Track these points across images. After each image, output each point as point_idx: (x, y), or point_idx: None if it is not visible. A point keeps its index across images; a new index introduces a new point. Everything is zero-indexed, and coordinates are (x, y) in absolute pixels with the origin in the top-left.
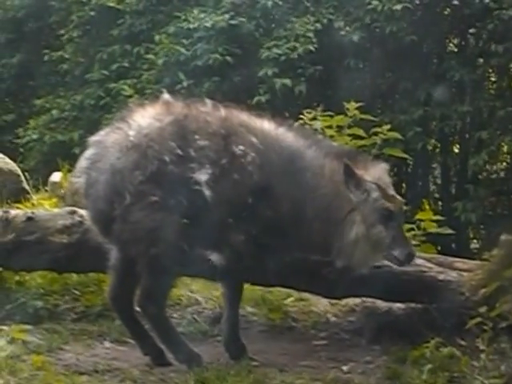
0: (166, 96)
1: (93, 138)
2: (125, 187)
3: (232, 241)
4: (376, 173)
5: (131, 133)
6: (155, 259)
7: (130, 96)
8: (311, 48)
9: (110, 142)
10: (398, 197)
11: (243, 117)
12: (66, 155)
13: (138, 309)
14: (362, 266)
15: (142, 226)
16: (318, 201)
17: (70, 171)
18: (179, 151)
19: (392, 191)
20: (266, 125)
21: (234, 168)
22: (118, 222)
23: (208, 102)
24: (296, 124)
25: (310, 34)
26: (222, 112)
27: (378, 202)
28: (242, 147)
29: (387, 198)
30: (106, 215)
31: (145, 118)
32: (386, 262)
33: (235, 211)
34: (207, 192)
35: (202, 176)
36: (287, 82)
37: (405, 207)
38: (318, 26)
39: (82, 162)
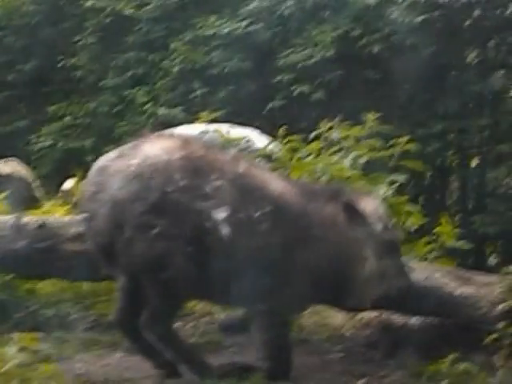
0: (185, 134)
1: (98, 164)
2: (125, 219)
3: (244, 286)
4: (373, 205)
5: (136, 161)
6: (163, 284)
7: (144, 103)
8: (329, 55)
9: (112, 170)
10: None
11: (258, 179)
12: (79, 162)
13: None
14: (367, 300)
15: (146, 258)
16: (326, 251)
17: (82, 179)
18: (186, 184)
19: (390, 221)
20: (279, 187)
21: (248, 229)
22: (122, 255)
23: (230, 152)
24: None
25: (328, 42)
26: (241, 168)
27: (384, 235)
28: (258, 212)
29: (389, 229)
30: (108, 248)
31: (154, 149)
32: None
33: (248, 261)
34: (225, 229)
35: (220, 214)
36: (304, 89)
37: (423, 219)
38: (336, 34)
39: (86, 189)
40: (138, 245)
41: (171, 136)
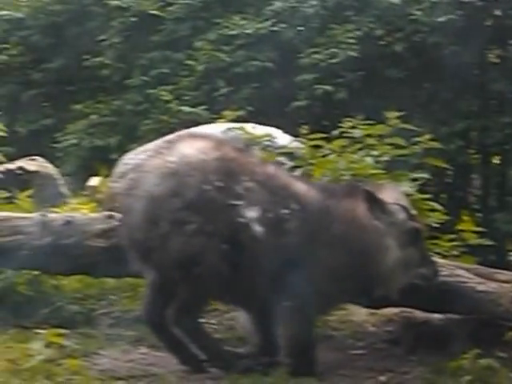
0: (219, 134)
1: (128, 160)
2: (162, 215)
3: (272, 282)
4: (395, 194)
5: (173, 159)
6: (195, 279)
7: (169, 101)
8: (352, 54)
9: (148, 167)
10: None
11: (285, 178)
12: (104, 160)
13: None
14: (396, 289)
15: (182, 253)
16: (350, 244)
17: (107, 176)
18: (221, 184)
19: (413, 210)
20: (302, 188)
21: (278, 228)
22: (156, 250)
23: (257, 154)
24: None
25: (351, 41)
26: (270, 169)
27: (406, 223)
28: (287, 211)
29: (412, 218)
30: (142, 244)
31: (190, 148)
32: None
33: (276, 258)
34: (258, 228)
35: (252, 213)
36: (328, 88)
37: (444, 217)
38: (359, 33)
39: (121, 185)
40: (174, 240)
41: (204, 137)
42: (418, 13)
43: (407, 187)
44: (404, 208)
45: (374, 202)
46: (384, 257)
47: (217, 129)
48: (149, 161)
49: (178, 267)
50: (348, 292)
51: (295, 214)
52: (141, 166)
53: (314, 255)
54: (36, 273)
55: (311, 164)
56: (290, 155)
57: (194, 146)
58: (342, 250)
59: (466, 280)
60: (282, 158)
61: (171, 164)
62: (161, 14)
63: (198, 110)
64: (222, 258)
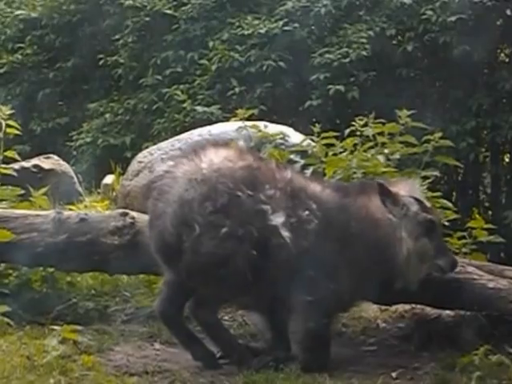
0: (241, 144)
1: (162, 167)
2: (194, 218)
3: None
4: (409, 187)
5: (203, 165)
6: (221, 280)
7: (183, 101)
8: (364, 54)
9: (179, 172)
10: (434, 208)
11: (301, 180)
12: (118, 158)
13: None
14: (414, 281)
15: (212, 256)
16: (368, 242)
17: (121, 174)
18: (249, 192)
19: (429, 203)
20: (317, 188)
21: (301, 230)
22: (187, 253)
23: (273, 161)
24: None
25: (363, 41)
26: (288, 173)
27: (420, 215)
28: (307, 212)
29: (426, 210)
30: (172, 247)
31: (217, 156)
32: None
33: (300, 261)
34: (286, 233)
35: (279, 219)
36: (341, 87)
37: (455, 214)
38: (371, 33)
39: (150, 191)
40: (206, 242)
41: (226, 145)
42: (430, 12)
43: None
44: (417, 200)
45: (387, 195)
46: (398, 249)
47: (230, 127)
48: (178, 167)
49: (206, 269)
50: (368, 287)
51: (314, 214)
52: (170, 172)
53: (334, 253)
54: (51, 270)
55: (323, 162)
56: (303, 153)
57: (219, 154)
58: (359, 246)
59: (476, 277)
60: (294, 156)
61: (201, 170)
62: (174, 13)
63: (212, 109)
64: (249, 261)
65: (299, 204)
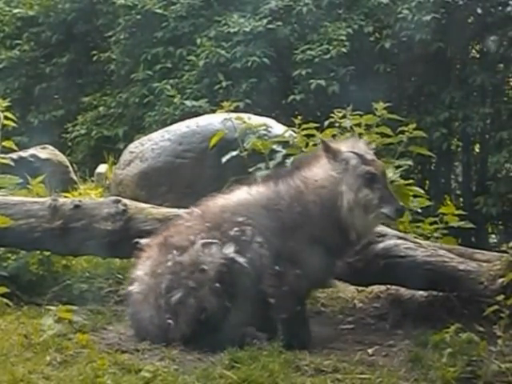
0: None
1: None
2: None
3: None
4: (351, 144)
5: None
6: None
7: (173, 95)
8: (344, 50)
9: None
10: (378, 160)
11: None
12: (111, 149)
13: None
14: (366, 232)
15: None
16: (316, 209)
17: (114, 164)
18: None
19: (371, 156)
20: (242, 196)
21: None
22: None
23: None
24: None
25: (343, 38)
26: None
27: (359, 168)
28: (236, 228)
29: (367, 163)
30: None
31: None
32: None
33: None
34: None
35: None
36: (321, 82)
37: (428, 202)
38: (350, 31)
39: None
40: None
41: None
42: (406, 11)
43: (392, 173)
44: (357, 154)
45: (328, 151)
46: (341, 202)
47: (216, 119)
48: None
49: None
50: (333, 252)
51: (247, 223)
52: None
53: (290, 240)
54: (47, 253)
55: (304, 152)
56: (284, 144)
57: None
58: (310, 218)
59: (447, 259)
60: (276, 147)
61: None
62: (164, 12)
63: (200, 102)
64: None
65: (265, 214)
